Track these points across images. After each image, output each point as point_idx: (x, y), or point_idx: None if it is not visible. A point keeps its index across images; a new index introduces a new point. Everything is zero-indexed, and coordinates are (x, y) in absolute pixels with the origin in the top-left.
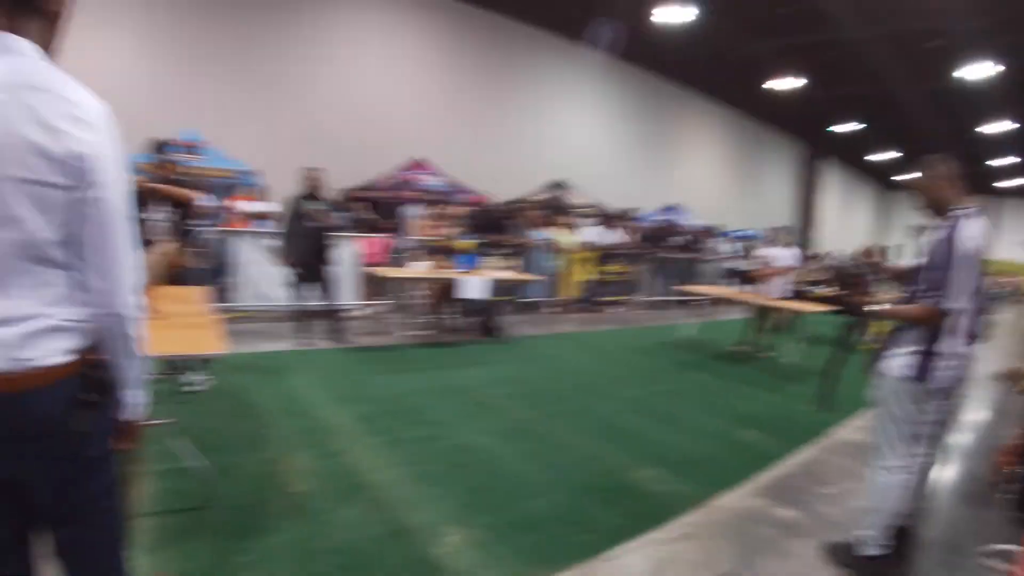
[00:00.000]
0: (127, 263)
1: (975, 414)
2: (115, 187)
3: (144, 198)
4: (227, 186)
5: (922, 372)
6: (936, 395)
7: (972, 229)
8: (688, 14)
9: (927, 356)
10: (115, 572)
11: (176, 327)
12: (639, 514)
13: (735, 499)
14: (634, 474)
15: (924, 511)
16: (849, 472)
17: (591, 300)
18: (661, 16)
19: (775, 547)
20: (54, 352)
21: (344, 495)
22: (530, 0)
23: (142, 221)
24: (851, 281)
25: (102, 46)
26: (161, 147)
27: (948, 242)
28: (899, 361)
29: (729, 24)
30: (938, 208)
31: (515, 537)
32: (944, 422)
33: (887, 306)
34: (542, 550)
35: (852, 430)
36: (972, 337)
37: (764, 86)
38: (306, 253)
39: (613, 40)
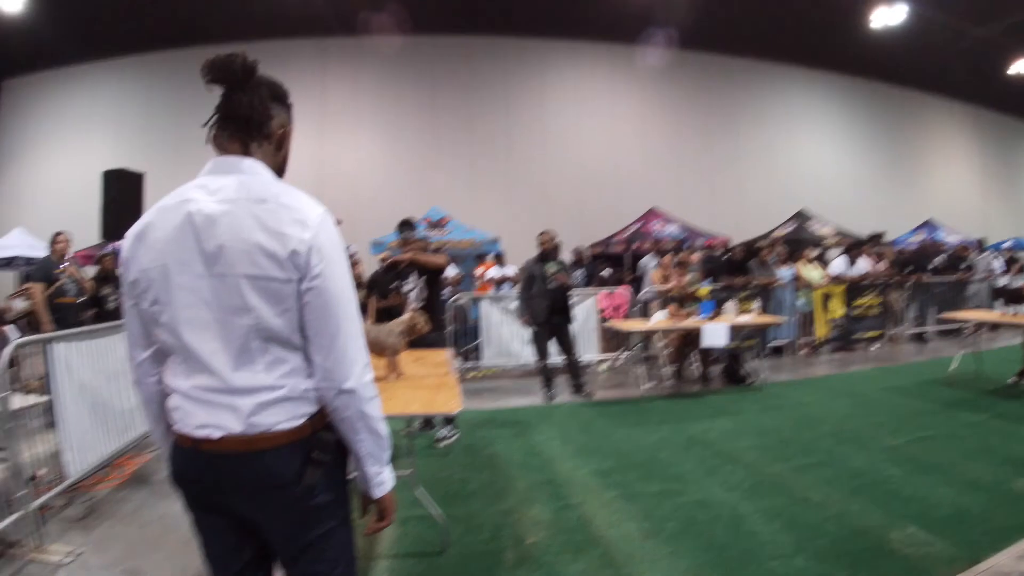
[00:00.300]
0: (349, 343)
1: None
2: (332, 276)
3: (399, 270)
4: (472, 255)
5: None
6: None
7: None
8: (899, 13)
9: None
10: None
11: (418, 387)
12: None
13: (1007, 562)
14: (888, 534)
15: None
16: None
17: (844, 338)
18: (877, 21)
19: None
20: (285, 419)
21: (575, 549)
22: (746, 34)
23: (397, 290)
24: None
25: (351, 147)
26: (405, 225)
27: None
28: None
29: (945, 14)
30: None
31: None
32: None
33: None
34: None
35: None
36: None
37: (1007, 72)
38: (545, 312)
39: (835, 56)
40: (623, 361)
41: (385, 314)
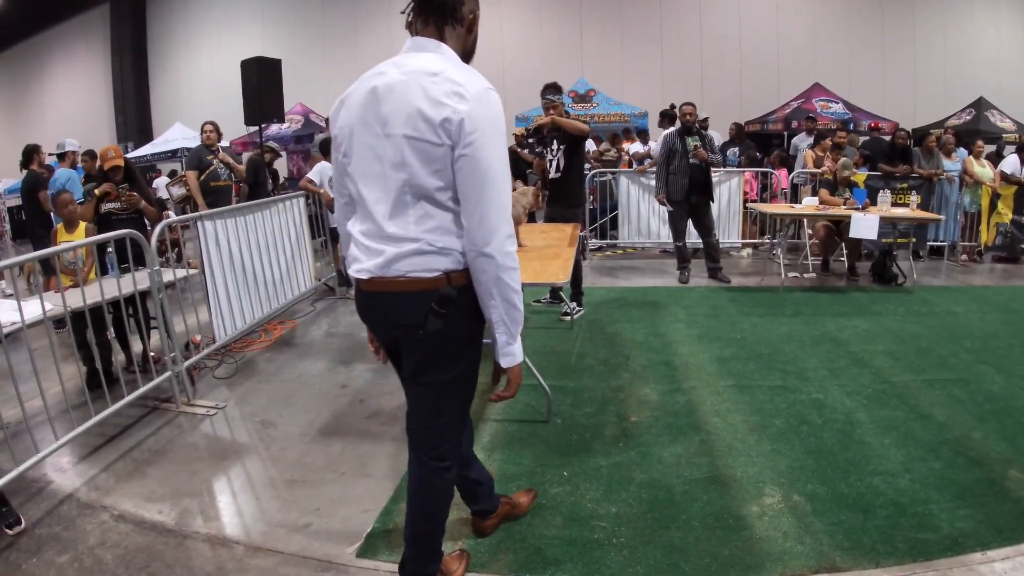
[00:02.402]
0: (492, 210)
1: None
2: (484, 146)
3: (543, 135)
4: (618, 130)
5: None
6: None
7: None
8: None
9: None
10: (437, 433)
11: (533, 259)
12: (995, 523)
13: None
14: (1007, 471)
15: None
16: None
17: (1011, 247)
18: None
19: None
20: (420, 269)
21: (676, 432)
22: None
23: (540, 156)
24: None
25: (494, 17)
26: (550, 88)
27: None
28: None
29: None
30: None
31: (837, 515)
32: None
33: None
34: (861, 537)
35: None
36: None
37: None
38: (684, 189)
39: None
40: (767, 247)
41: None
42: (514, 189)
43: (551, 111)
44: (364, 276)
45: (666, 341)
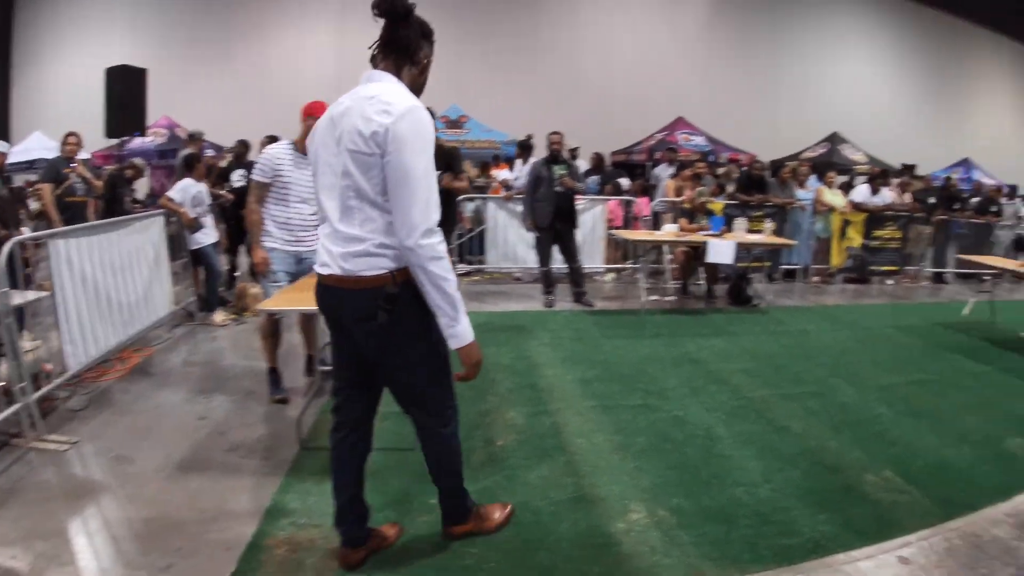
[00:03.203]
0: (414, 209)
1: None
2: (405, 152)
3: None
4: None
5: None
6: None
7: None
8: None
9: None
10: (427, 399)
11: None
12: (854, 526)
13: (979, 524)
14: (862, 476)
15: None
16: None
17: (859, 269)
18: None
19: None
20: (367, 268)
21: (542, 455)
22: None
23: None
24: None
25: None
26: None
27: None
28: None
29: None
30: None
31: (703, 527)
32: None
33: None
34: (727, 547)
35: None
36: None
37: None
38: (550, 216)
39: None
40: (629, 272)
41: None
42: None
43: None
44: (324, 271)
45: (532, 364)
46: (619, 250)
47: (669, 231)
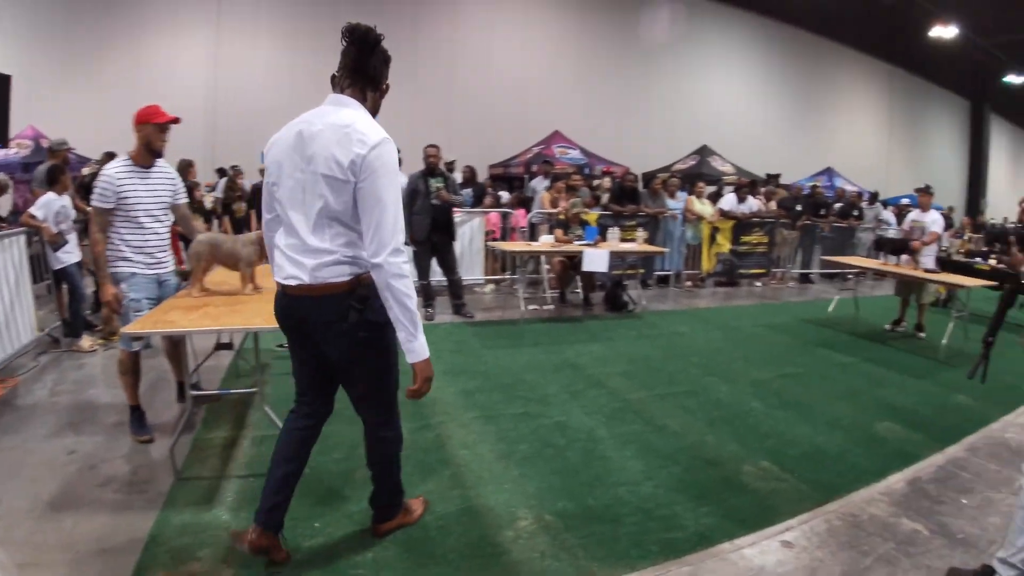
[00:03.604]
0: (383, 231)
1: None
2: (377, 181)
3: None
4: None
5: None
6: None
7: None
8: None
9: None
10: (379, 407)
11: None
12: (737, 515)
13: (856, 504)
14: (740, 467)
15: None
16: (996, 480)
17: (729, 273)
18: None
19: (892, 565)
20: (336, 276)
21: (427, 469)
22: None
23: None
24: (1005, 241)
25: (248, 56)
26: None
27: None
28: None
29: None
30: None
31: (589, 528)
32: None
33: None
34: (614, 546)
35: (1011, 428)
36: None
37: (922, 36)
38: (427, 229)
39: None
40: (508, 283)
41: None
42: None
43: None
44: (292, 283)
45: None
46: (497, 261)
47: (545, 242)
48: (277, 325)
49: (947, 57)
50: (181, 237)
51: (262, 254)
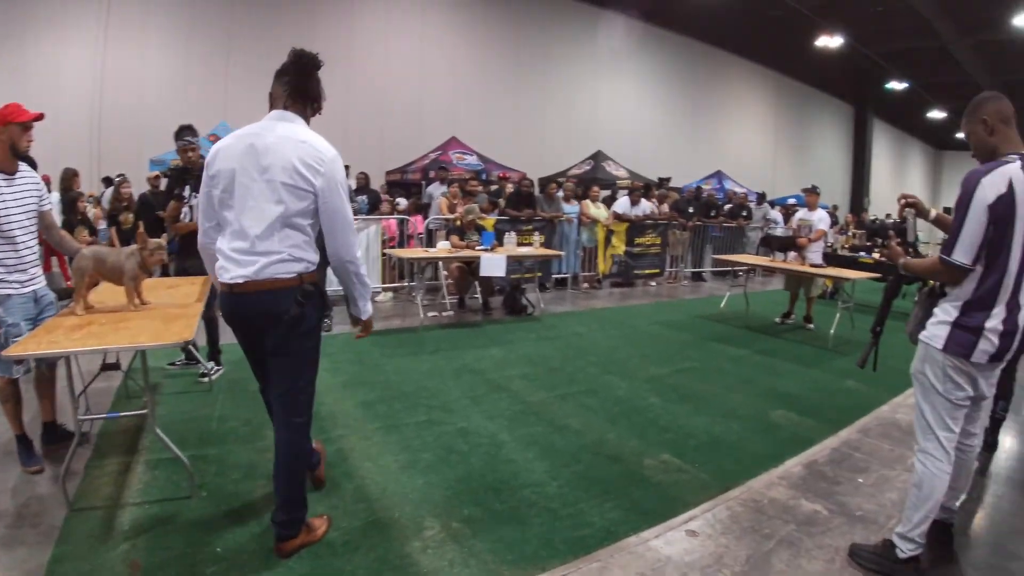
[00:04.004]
0: (346, 235)
1: None
2: (335, 197)
3: (185, 175)
4: None
5: (955, 342)
6: (978, 369)
7: (998, 178)
8: None
9: (960, 323)
10: (297, 394)
11: (154, 318)
12: (641, 508)
13: (755, 490)
14: (642, 462)
15: (968, 504)
16: (889, 458)
17: (624, 274)
18: None
19: (795, 546)
20: (283, 272)
21: (330, 484)
22: None
23: (179, 197)
24: (885, 235)
25: (138, 57)
26: (186, 131)
27: (965, 189)
28: (934, 330)
29: None
30: (985, 154)
31: (497, 532)
32: (984, 399)
33: (910, 260)
34: (523, 547)
35: (900, 409)
36: (1019, 305)
37: (808, 45)
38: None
39: (650, 5)
40: (406, 290)
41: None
42: (143, 245)
43: (189, 153)
44: (240, 280)
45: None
46: (395, 269)
47: (443, 248)
48: (164, 342)
49: (832, 65)
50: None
51: (147, 266)
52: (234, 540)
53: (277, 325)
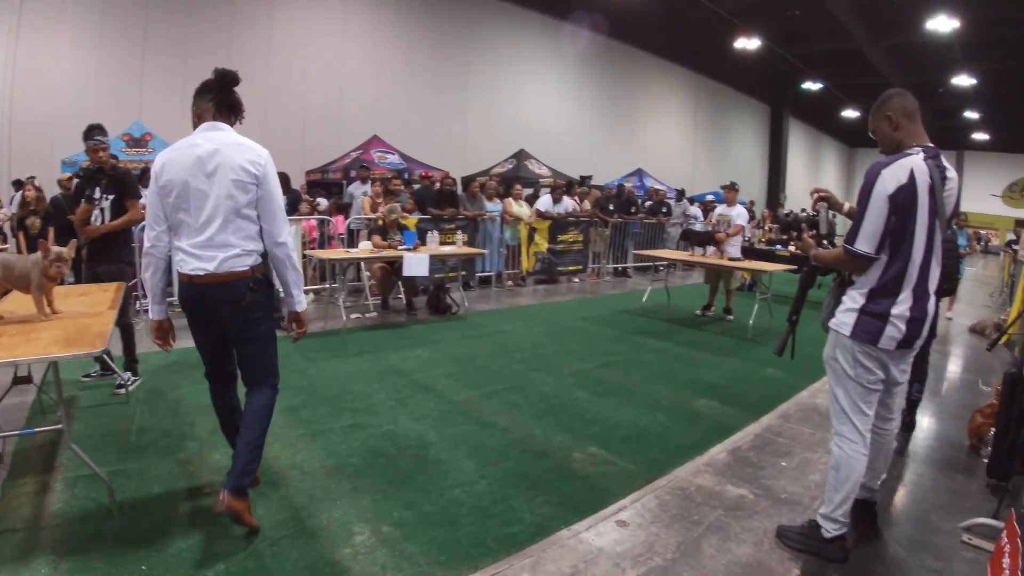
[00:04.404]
0: (279, 219)
1: (948, 372)
2: (272, 187)
3: (95, 176)
4: None
5: (862, 329)
6: (887, 354)
7: (899, 170)
8: None
9: (867, 310)
10: (267, 367)
11: (65, 327)
12: (571, 502)
13: (682, 478)
14: (570, 455)
15: (889, 483)
16: (810, 442)
17: (548, 271)
18: None
19: (723, 531)
20: (239, 265)
21: (255, 494)
22: None
23: (90, 199)
24: (799, 228)
25: (50, 54)
26: (95, 130)
27: (867, 181)
28: (842, 317)
29: None
30: (890, 148)
31: (428, 534)
32: (897, 384)
33: (819, 250)
34: (454, 548)
35: (819, 394)
36: (926, 292)
37: (727, 47)
38: None
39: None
40: (328, 292)
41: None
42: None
43: (100, 153)
44: (200, 273)
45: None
46: (317, 270)
47: (365, 248)
48: (76, 351)
49: (750, 66)
50: None
51: (49, 276)
52: (159, 557)
53: (235, 310)
